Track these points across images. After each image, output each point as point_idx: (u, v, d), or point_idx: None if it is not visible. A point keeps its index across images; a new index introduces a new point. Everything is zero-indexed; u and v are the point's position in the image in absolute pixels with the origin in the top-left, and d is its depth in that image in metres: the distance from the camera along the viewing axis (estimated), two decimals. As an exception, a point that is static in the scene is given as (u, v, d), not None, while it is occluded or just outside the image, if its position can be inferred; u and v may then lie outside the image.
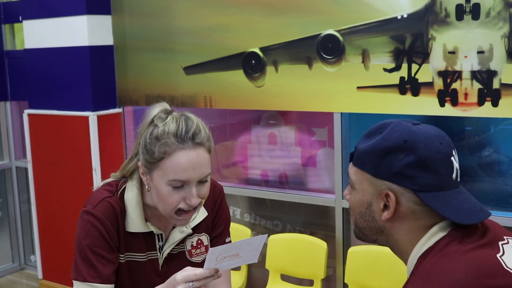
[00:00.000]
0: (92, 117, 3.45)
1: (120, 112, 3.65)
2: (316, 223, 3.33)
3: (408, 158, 1.12)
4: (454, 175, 1.15)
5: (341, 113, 2.87)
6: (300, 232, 3.32)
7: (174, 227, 1.63)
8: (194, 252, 1.66)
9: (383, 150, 1.15)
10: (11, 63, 4.16)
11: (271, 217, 3.44)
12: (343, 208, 2.93)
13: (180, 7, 3.29)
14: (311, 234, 3.18)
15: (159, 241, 1.62)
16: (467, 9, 2.43)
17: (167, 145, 1.45)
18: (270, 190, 3.28)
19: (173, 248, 1.64)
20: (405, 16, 2.59)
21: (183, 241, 1.65)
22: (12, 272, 4.36)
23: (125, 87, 3.60)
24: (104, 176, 3.49)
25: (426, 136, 1.14)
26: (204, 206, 1.66)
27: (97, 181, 3.48)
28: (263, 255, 3.15)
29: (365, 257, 2.71)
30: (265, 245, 3.11)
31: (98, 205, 1.55)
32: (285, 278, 3.06)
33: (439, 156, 1.13)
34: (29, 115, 3.77)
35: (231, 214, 3.47)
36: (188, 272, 1.41)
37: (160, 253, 1.62)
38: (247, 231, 3.12)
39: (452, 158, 1.15)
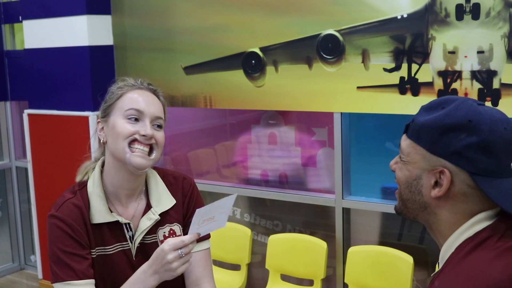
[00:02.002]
0: (92, 117, 3.45)
1: (120, 112, 3.65)
2: (316, 223, 3.33)
3: (470, 139, 1.08)
4: None
5: (341, 113, 2.87)
6: (300, 232, 3.32)
7: (142, 216, 1.64)
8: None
9: (444, 127, 1.10)
10: (11, 63, 4.16)
11: (271, 217, 3.44)
12: (343, 208, 2.93)
13: (180, 7, 3.29)
14: (311, 234, 3.18)
15: (128, 230, 1.63)
16: (467, 9, 2.43)
17: (126, 87, 1.62)
18: (270, 190, 3.28)
19: (145, 238, 1.64)
20: (405, 16, 2.59)
21: (155, 231, 1.65)
22: (12, 272, 4.36)
23: (125, 87, 3.59)
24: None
25: (492, 119, 1.09)
26: (173, 194, 1.70)
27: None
28: (263, 255, 3.15)
29: (365, 257, 2.71)
30: (265, 245, 3.12)
31: (60, 208, 1.60)
32: (285, 278, 3.06)
33: (502, 142, 1.09)
34: (29, 115, 3.77)
35: (231, 214, 3.48)
36: (175, 240, 1.44)
37: (131, 243, 1.63)
38: (247, 231, 3.12)
39: None
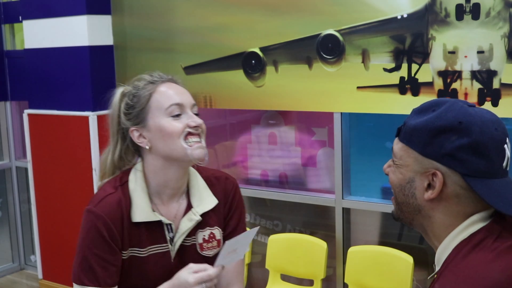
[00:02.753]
0: (92, 117, 3.45)
1: (120, 112, 3.65)
2: (316, 223, 3.33)
3: (461, 140, 1.08)
4: (504, 163, 1.12)
5: (341, 113, 2.87)
6: (300, 232, 3.32)
7: (183, 216, 1.59)
8: (205, 246, 1.62)
9: (435, 129, 1.11)
10: (11, 63, 4.16)
11: (271, 217, 3.44)
12: (343, 208, 2.93)
13: (180, 7, 3.29)
14: (311, 234, 3.18)
15: (169, 232, 1.58)
16: (467, 9, 2.43)
17: (149, 85, 1.55)
18: (270, 190, 3.28)
19: (185, 240, 1.59)
20: (405, 16, 2.59)
21: (194, 233, 1.60)
22: (12, 272, 4.36)
23: (125, 87, 3.59)
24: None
25: (482, 120, 1.10)
26: (215, 195, 1.64)
27: (97, 181, 3.47)
28: (263, 255, 3.15)
29: (365, 257, 2.71)
30: (265, 245, 3.11)
31: (100, 203, 1.53)
32: (285, 278, 3.05)
33: (493, 142, 1.09)
34: (29, 115, 3.77)
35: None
36: (202, 274, 1.41)
37: (171, 244, 1.58)
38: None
39: (506, 145, 1.12)
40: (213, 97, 3.24)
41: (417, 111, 1.17)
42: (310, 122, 3.24)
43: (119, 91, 1.61)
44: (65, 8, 3.48)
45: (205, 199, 1.62)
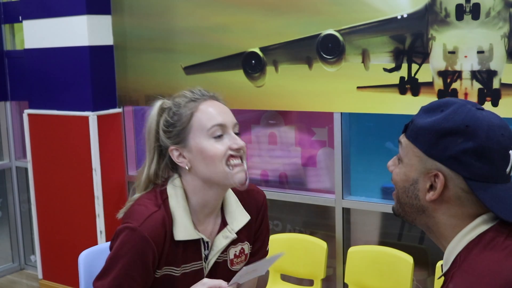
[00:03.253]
0: (92, 117, 3.45)
1: (120, 112, 3.65)
2: (316, 223, 3.33)
3: (467, 144, 1.08)
4: (508, 169, 1.12)
5: (341, 113, 2.87)
6: (300, 232, 3.32)
7: (217, 234, 1.56)
8: (235, 261, 1.60)
9: (442, 130, 1.11)
10: (11, 63, 4.15)
11: (271, 217, 3.44)
12: (343, 208, 2.93)
13: (180, 7, 3.29)
14: (311, 234, 3.18)
15: (205, 249, 1.55)
16: (467, 9, 2.43)
17: (191, 103, 1.49)
18: (270, 190, 3.27)
19: (218, 257, 1.57)
20: (405, 16, 2.59)
21: (226, 249, 1.58)
22: (12, 272, 4.36)
23: (125, 87, 3.60)
24: (104, 176, 3.50)
25: (489, 124, 1.10)
26: (247, 210, 1.61)
27: (97, 181, 3.48)
28: (263, 255, 3.14)
29: (365, 257, 2.71)
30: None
31: (145, 222, 1.45)
32: (285, 278, 3.05)
33: (498, 148, 1.09)
34: (29, 115, 3.77)
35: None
36: None
37: (205, 262, 1.55)
38: (247, 231, 3.12)
39: (511, 151, 1.11)
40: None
41: (426, 110, 1.17)
42: (310, 122, 3.24)
43: (157, 105, 1.55)
44: (65, 8, 3.48)
45: (238, 216, 1.59)
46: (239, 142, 1.47)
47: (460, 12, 2.45)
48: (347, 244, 2.95)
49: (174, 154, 1.50)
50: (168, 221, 1.48)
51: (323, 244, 2.86)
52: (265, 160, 3.42)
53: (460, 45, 2.47)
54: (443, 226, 1.16)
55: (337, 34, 2.78)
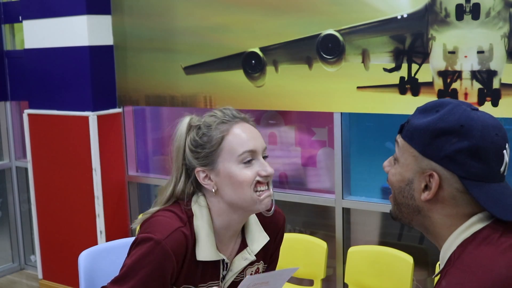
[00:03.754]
0: (92, 117, 3.45)
1: (120, 112, 3.65)
2: (316, 223, 3.33)
3: (462, 143, 1.10)
4: (502, 169, 1.13)
5: (341, 113, 2.87)
6: (300, 232, 3.32)
7: (236, 254, 1.55)
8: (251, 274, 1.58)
9: (437, 131, 1.12)
10: (11, 63, 4.16)
11: (271, 217, 3.44)
12: (343, 208, 2.93)
13: (180, 7, 3.29)
14: (311, 234, 3.17)
15: (223, 269, 1.53)
16: (467, 9, 2.43)
17: (222, 125, 1.46)
18: (270, 190, 3.27)
19: (236, 277, 1.55)
20: (405, 16, 2.59)
21: (243, 270, 1.57)
22: (12, 272, 4.36)
23: (125, 87, 3.60)
24: (104, 176, 3.50)
25: (484, 124, 1.11)
26: (266, 231, 1.60)
27: (97, 181, 3.48)
28: (263, 255, 3.14)
29: (365, 257, 2.71)
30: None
31: (170, 236, 1.42)
32: (285, 278, 3.05)
33: (492, 147, 1.11)
34: (29, 115, 3.77)
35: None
36: None
37: (221, 282, 1.54)
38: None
39: (504, 151, 1.13)
40: (213, 97, 3.24)
41: (421, 110, 1.18)
42: (310, 122, 3.24)
43: (186, 121, 1.51)
44: (65, 8, 3.48)
45: (258, 237, 1.58)
46: (268, 169, 1.45)
47: (460, 12, 2.45)
48: (347, 244, 2.95)
49: (201, 176, 1.48)
50: (191, 239, 1.46)
51: (323, 244, 2.86)
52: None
53: (460, 45, 2.47)
54: (439, 225, 1.16)
55: (337, 34, 2.78)
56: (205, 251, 1.47)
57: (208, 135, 1.46)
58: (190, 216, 1.49)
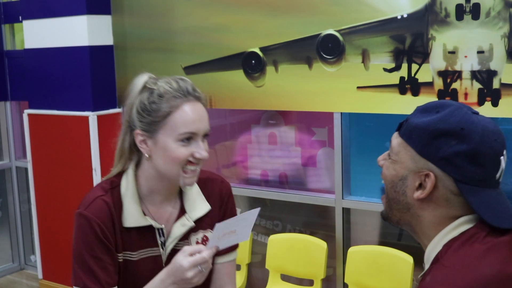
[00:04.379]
0: (92, 117, 3.45)
1: (120, 112, 3.65)
2: (316, 223, 3.33)
3: (460, 146, 1.09)
4: (498, 175, 1.13)
5: (341, 113, 2.87)
6: (300, 232, 3.32)
7: (175, 221, 1.58)
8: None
9: (436, 131, 1.11)
10: (11, 63, 4.16)
11: (271, 217, 3.44)
12: (343, 208, 2.93)
13: (180, 7, 3.29)
14: (311, 234, 3.18)
15: (160, 236, 1.56)
16: (467, 9, 2.43)
17: (173, 100, 1.47)
18: (270, 190, 3.28)
19: (177, 244, 1.58)
20: (405, 16, 2.59)
21: (187, 237, 1.59)
22: (12, 272, 4.36)
23: (125, 87, 3.55)
24: (104, 176, 3.49)
25: (484, 129, 1.11)
26: (208, 200, 1.63)
27: (97, 181, 3.48)
28: (263, 255, 3.15)
29: (365, 257, 2.71)
30: (265, 245, 3.12)
31: (90, 205, 1.52)
32: (285, 278, 3.06)
33: (490, 153, 1.10)
34: (29, 115, 3.77)
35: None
36: (195, 258, 1.40)
37: (162, 249, 1.57)
38: (247, 231, 3.12)
39: (502, 157, 1.13)
40: (213, 97, 3.23)
41: (421, 110, 1.18)
42: (310, 122, 3.24)
43: (142, 80, 1.54)
44: (65, 8, 3.48)
45: (198, 205, 1.61)
46: (203, 153, 1.48)
47: (460, 12, 2.45)
48: (347, 244, 2.95)
49: (138, 138, 1.51)
50: (115, 206, 1.52)
51: (323, 244, 2.86)
52: (265, 160, 3.42)
53: (460, 45, 2.47)
54: (427, 225, 1.17)
55: (337, 34, 2.78)
56: (130, 217, 1.52)
57: (157, 105, 1.47)
58: (116, 185, 1.55)
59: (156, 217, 1.57)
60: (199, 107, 1.52)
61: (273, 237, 3.05)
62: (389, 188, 1.22)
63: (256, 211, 1.47)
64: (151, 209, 1.57)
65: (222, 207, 1.66)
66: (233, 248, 1.67)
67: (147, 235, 1.55)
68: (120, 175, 1.59)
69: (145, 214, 1.55)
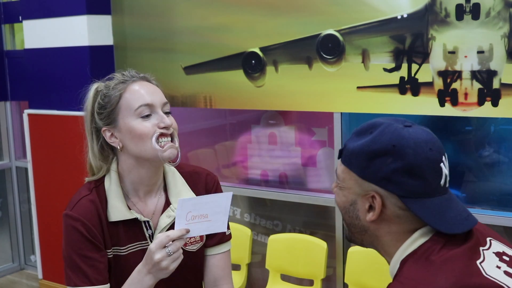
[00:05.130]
0: (92, 117, 3.45)
1: (120, 112, 3.65)
2: (316, 223, 3.33)
3: (396, 163, 1.11)
4: (442, 182, 1.14)
5: (341, 113, 2.87)
6: (300, 232, 3.32)
7: (162, 213, 1.59)
8: (188, 241, 1.60)
9: (371, 153, 1.13)
10: (11, 63, 4.16)
11: (271, 217, 3.44)
12: (343, 208, 2.93)
13: (180, 7, 3.29)
14: (311, 234, 3.18)
15: (147, 229, 1.57)
16: (467, 9, 2.43)
17: (120, 85, 1.53)
18: (270, 190, 3.28)
19: None
20: (405, 16, 2.59)
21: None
22: (12, 272, 4.36)
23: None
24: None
25: (416, 141, 1.12)
26: (195, 191, 1.64)
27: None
28: (263, 255, 3.15)
29: (365, 257, 2.71)
30: (265, 245, 3.11)
31: (75, 206, 1.55)
32: (285, 278, 3.06)
33: (427, 163, 1.11)
34: (29, 115, 3.77)
35: (231, 214, 3.48)
36: (160, 238, 1.39)
37: (151, 241, 1.57)
38: (247, 231, 3.12)
39: (442, 164, 1.13)
40: (213, 97, 3.24)
41: (357, 133, 1.20)
42: (310, 122, 3.25)
43: (93, 88, 1.62)
44: (65, 8, 3.48)
45: (183, 195, 1.61)
46: (166, 121, 1.49)
47: (460, 12, 2.45)
48: (347, 244, 2.95)
49: (107, 135, 1.55)
50: (100, 203, 1.54)
51: (323, 244, 2.86)
52: (265, 160, 3.42)
53: (460, 45, 2.47)
54: (386, 243, 1.19)
55: (337, 34, 2.78)
56: (115, 211, 1.54)
57: (108, 95, 1.54)
58: (100, 183, 1.59)
59: (142, 211, 1.58)
60: (146, 83, 1.56)
61: (273, 237, 3.05)
62: (343, 214, 1.24)
63: (228, 194, 1.44)
64: (136, 203, 1.58)
65: None
66: (225, 239, 1.68)
67: (134, 229, 1.56)
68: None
69: (130, 209, 1.56)
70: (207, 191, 1.66)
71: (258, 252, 3.34)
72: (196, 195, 1.63)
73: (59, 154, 3.64)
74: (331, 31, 2.79)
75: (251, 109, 3.27)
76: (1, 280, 4.23)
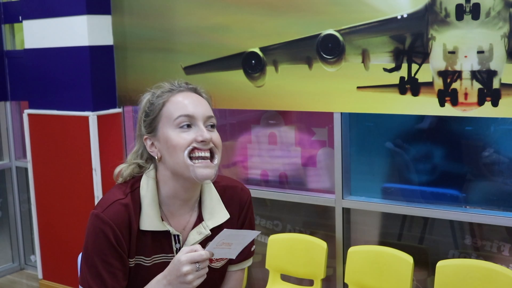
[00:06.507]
0: (92, 117, 3.45)
1: (120, 112, 3.65)
2: (316, 223, 3.33)
3: None
4: None
5: (341, 113, 2.87)
6: (300, 232, 3.32)
7: (192, 228, 1.55)
8: (214, 258, 1.54)
9: None
10: (11, 63, 4.16)
11: (271, 217, 3.44)
12: (343, 208, 2.93)
13: (180, 7, 3.29)
14: (311, 234, 3.18)
15: (176, 243, 1.54)
16: (467, 9, 2.43)
17: (166, 94, 1.50)
18: (270, 190, 3.28)
19: None
20: (405, 16, 2.59)
21: (203, 245, 1.53)
22: (12, 272, 4.36)
23: (125, 87, 3.60)
24: (104, 176, 3.50)
25: None
26: (227, 208, 1.60)
27: (97, 181, 3.48)
28: (263, 255, 3.15)
29: (365, 257, 2.71)
30: (265, 245, 3.11)
31: (108, 208, 1.48)
32: (285, 278, 3.05)
33: None
34: (29, 115, 3.77)
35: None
36: (193, 254, 1.36)
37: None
38: (247, 231, 3.12)
39: None
40: (213, 97, 3.22)
41: None
42: (310, 122, 3.24)
43: (147, 96, 1.57)
44: (65, 8, 3.48)
45: (217, 213, 1.57)
46: (205, 134, 1.43)
47: (460, 12, 2.45)
48: (347, 244, 2.95)
49: (148, 143, 1.51)
50: (134, 209, 1.49)
51: (323, 244, 2.86)
52: (265, 160, 3.42)
53: (460, 45, 2.47)
54: None
55: (337, 34, 2.78)
56: (148, 221, 1.49)
57: (152, 103, 1.50)
58: (136, 188, 1.52)
59: (173, 224, 1.54)
60: (193, 95, 1.52)
61: (273, 237, 3.05)
62: None
63: (254, 233, 1.44)
64: (169, 215, 1.54)
65: (241, 216, 1.64)
66: (250, 255, 1.70)
67: (162, 241, 1.52)
68: (138, 179, 1.56)
69: (163, 220, 1.52)
70: (241, 208, 1.63)
71: (258, 252, 3.34)
72: (230, 211, 1.60)
73: (59, 154, 3.64)
74: (331, 31, 2.79)
75: (251, 109, 3.27)
76: (1, 280, 4.23)
